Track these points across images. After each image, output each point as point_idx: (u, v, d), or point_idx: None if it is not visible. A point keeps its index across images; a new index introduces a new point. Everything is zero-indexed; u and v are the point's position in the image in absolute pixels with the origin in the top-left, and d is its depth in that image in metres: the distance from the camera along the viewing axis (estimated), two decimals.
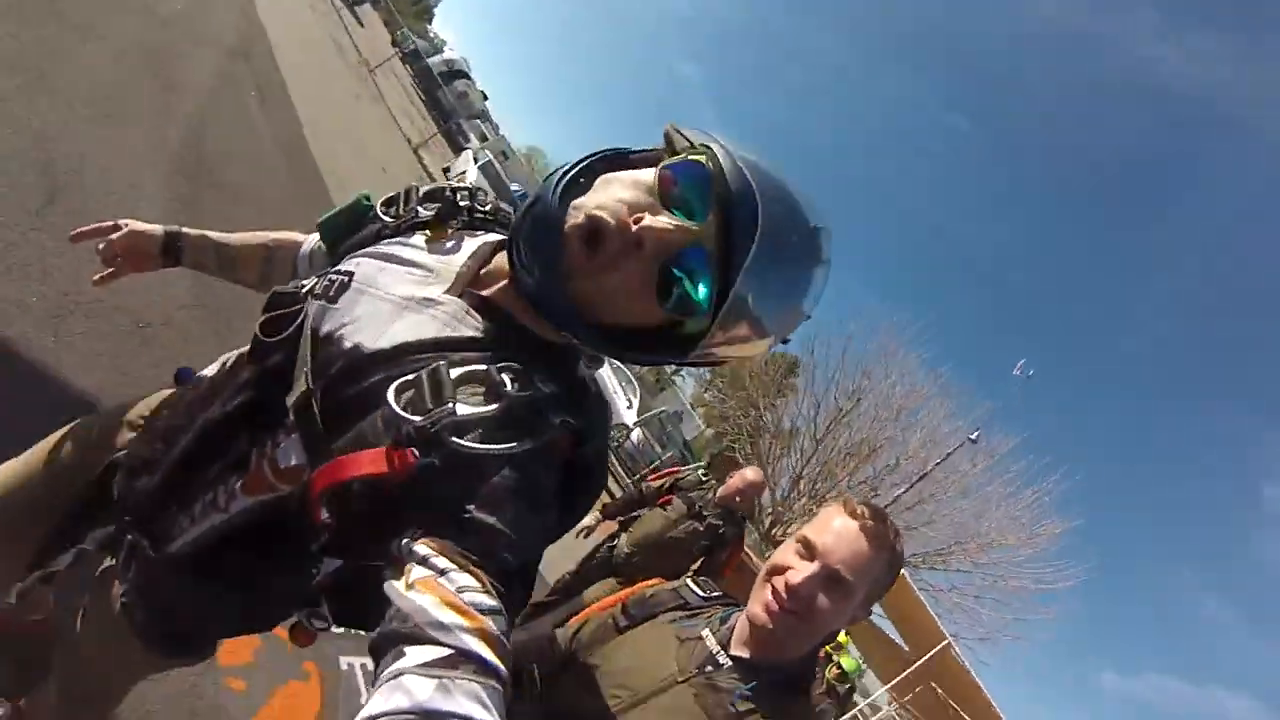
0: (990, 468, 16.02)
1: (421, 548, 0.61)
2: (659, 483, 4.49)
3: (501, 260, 0.84)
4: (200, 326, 3.34)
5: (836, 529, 1.18)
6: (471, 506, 0.64)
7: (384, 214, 0.96)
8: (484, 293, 0.83)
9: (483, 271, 0.86)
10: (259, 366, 0.86)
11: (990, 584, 15.17)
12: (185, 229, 1.23)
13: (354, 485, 0.66)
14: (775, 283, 0.75)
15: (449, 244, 0.90)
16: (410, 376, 0.71)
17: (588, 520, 4.41)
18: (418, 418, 0.66)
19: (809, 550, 1.17)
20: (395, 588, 0.58)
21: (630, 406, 15.29)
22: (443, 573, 0.59)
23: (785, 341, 0.84)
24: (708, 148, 0.75)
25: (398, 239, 0.92)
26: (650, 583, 1.48)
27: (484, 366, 0.73)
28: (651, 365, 0.85)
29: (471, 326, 0.79)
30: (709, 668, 1.18)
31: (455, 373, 0.71)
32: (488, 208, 0.98)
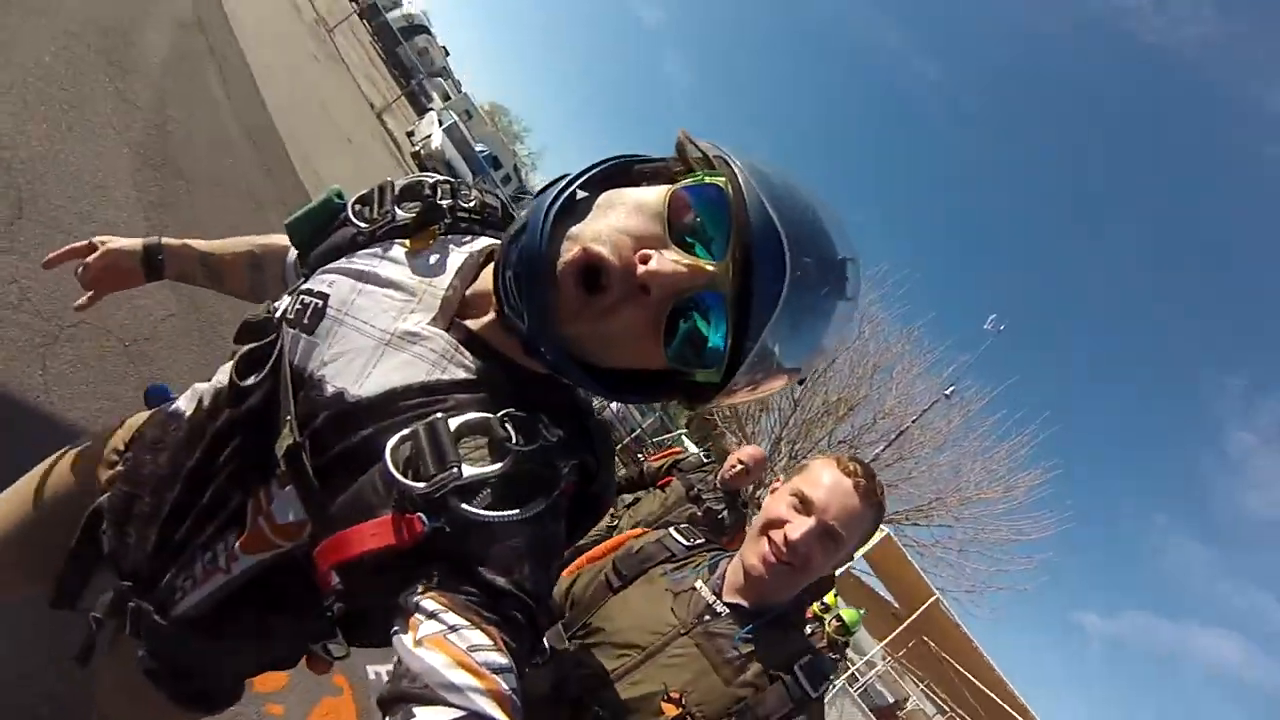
0: (965, 423, 16.33)
1: (430, 602, 0.58)
2: (659, 463, 4.41)
3: (489, 279, 0.76)
4: (186, 337, 3.23)
5: (830, 485, 1.23)
6: (482, 568, 0.61)
7: (357, 218, 0.87)
8: (473, 327, 0.76)
9: (469, 293, 0.78)
10: (237, 409, 0.80)
11: (971, 537, 15.59)
12: (165, 240, 1.16)
13: (363, 557, 0.62)
14: (801, 329, 0.66)
15: (432, 257, 0.82)
16: (406, 431, 0.66)
17: None
18: (421, 484, 0.62)
19: (805, 505, 1.23)
20: (403, 643, 0.56)
21: None
22: (453, 629, 0.57)
23: (802, 382, 0.78)
24: (727, 166, 0.65)
25: (374, 249, 0.83)
26: (634, 533, 1.53)
27: (484, 415, 0.67)
28: (651, 403, 0.82)
29: (462, 366, 0.73)
30: (707, 617, 1.24)
31: (454, 423, 0.66)
32: (471, 204, 0.88)
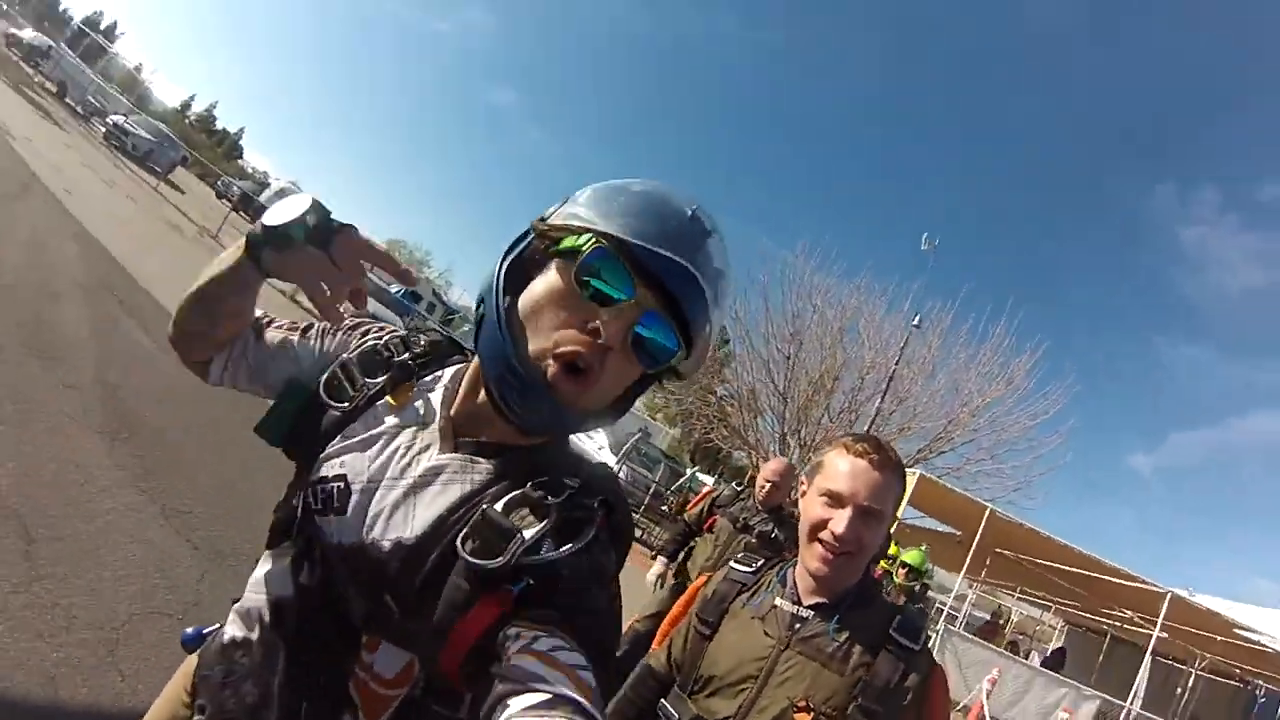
0: (943, 342, 16.76)
1: (517, 629, 0.68)
2: (697, 508, 4.55)
3: (466, 397, 0.90)
4: (221, 588, 3.23)
5: (849, 471, 1.33)
6: (557, 596, 0.72)
7: (335, 404, 0.92)
8: (475, 437, 0.87)
9: (455, 413, 0.90)
10: (304, 609, 0.86)
11: (996, 439, 15.84)
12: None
13: (477, 642, 0.71)
14: (714, 281, 0.82)
15: (416, 403, 0.92)
16: (467, 530, 0.77)
17: (657, 569, 4.61)
18: (499, 559, 0.73)
19: (835, 499, 1.32)
20: (498, 668, 0.65)
21: (602, 448, 15.29)
22: (536, 639, 0.67)
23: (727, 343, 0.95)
24: (590, 229, 0.79)
25: (363, 419, 0.92)
26: (699, 583, 1.64)
27: (519, 491, 0.80)
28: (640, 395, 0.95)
29: (481, 470, 0.85)
30: (797, 625, 1.34)
31: (499, 506, 0.78)
32: (424, 348, 0.98)
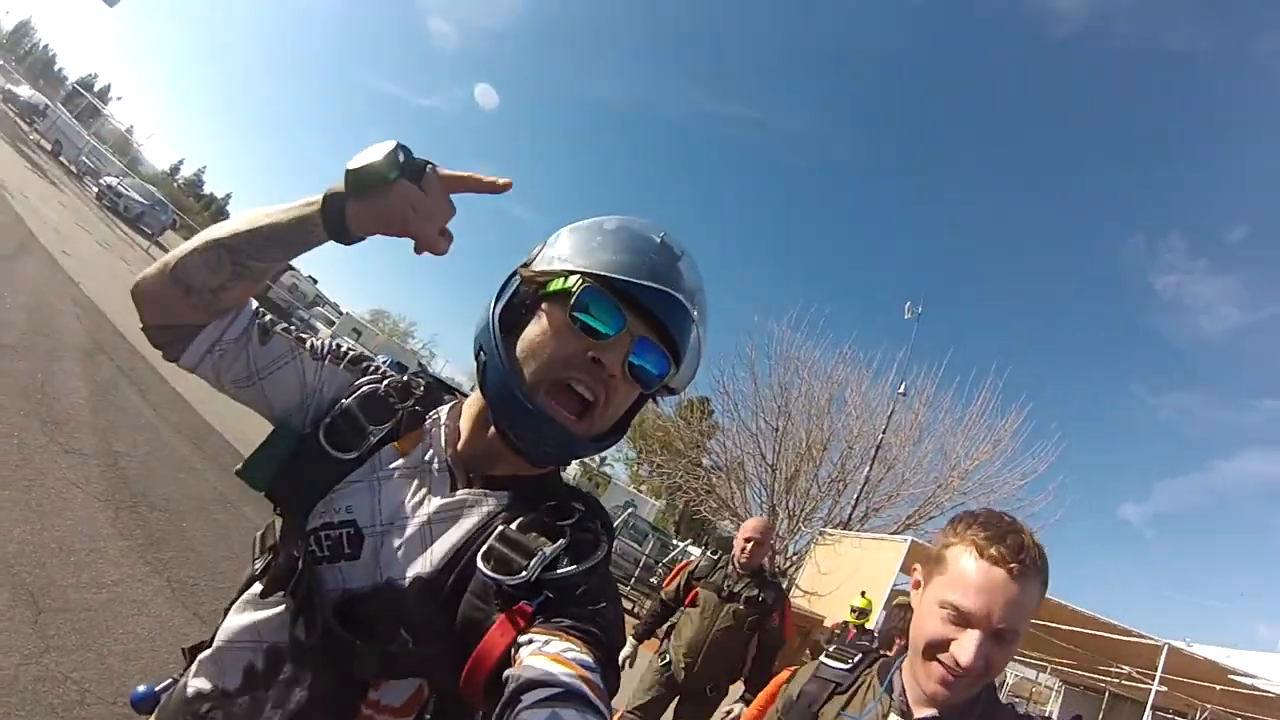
0: (929, 408, 16.94)
1: (530, 634, 0.71)
2: (674, 583, 4.37)
3: (474, 431, 0.92)
4: None
5: (980, 584, 1.07)
6: (572, 606, 0.76)
7: (337, 452, 0.90)
8: (483, 470, 0.91)
9: (461, 450, 0.92)
10: (302, 658, 0.84)
11: (986, 501, 15.66)
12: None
13: (499, 659, 0.72)
14: (691, 301, 0.88)
15: (421, 445, 0.93)
16: (485, 549, 0.80)
17: (626, 650, 4.28)
18: (522, 575, 0.76)
19: (962, 617, 1.08)
20: (511, 673, 0.67)
21: None
22: (547, 643, 0.69)
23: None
24: (574, 270, 0.85)
25: (369, 465, 0.91)
26: (780, 678, 1.51)
27: (533, 514, 0.85)
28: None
29: (493, 501, 0.88)
30: None
31: (515, 526, 0.83)
32: (421, 392, 0.99)
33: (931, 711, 1.16)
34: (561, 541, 0.80)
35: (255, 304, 0.94)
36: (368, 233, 0.80)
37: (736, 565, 4.06)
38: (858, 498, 16.41)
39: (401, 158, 0.77)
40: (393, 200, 0.77)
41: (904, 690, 1.21)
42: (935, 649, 1.11)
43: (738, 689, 4.13)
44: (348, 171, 0.78)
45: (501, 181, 0.82)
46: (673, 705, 4.15)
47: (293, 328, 0.99)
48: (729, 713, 3.90)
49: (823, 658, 1.40)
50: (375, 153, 0.77)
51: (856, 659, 1.36)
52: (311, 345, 0.98)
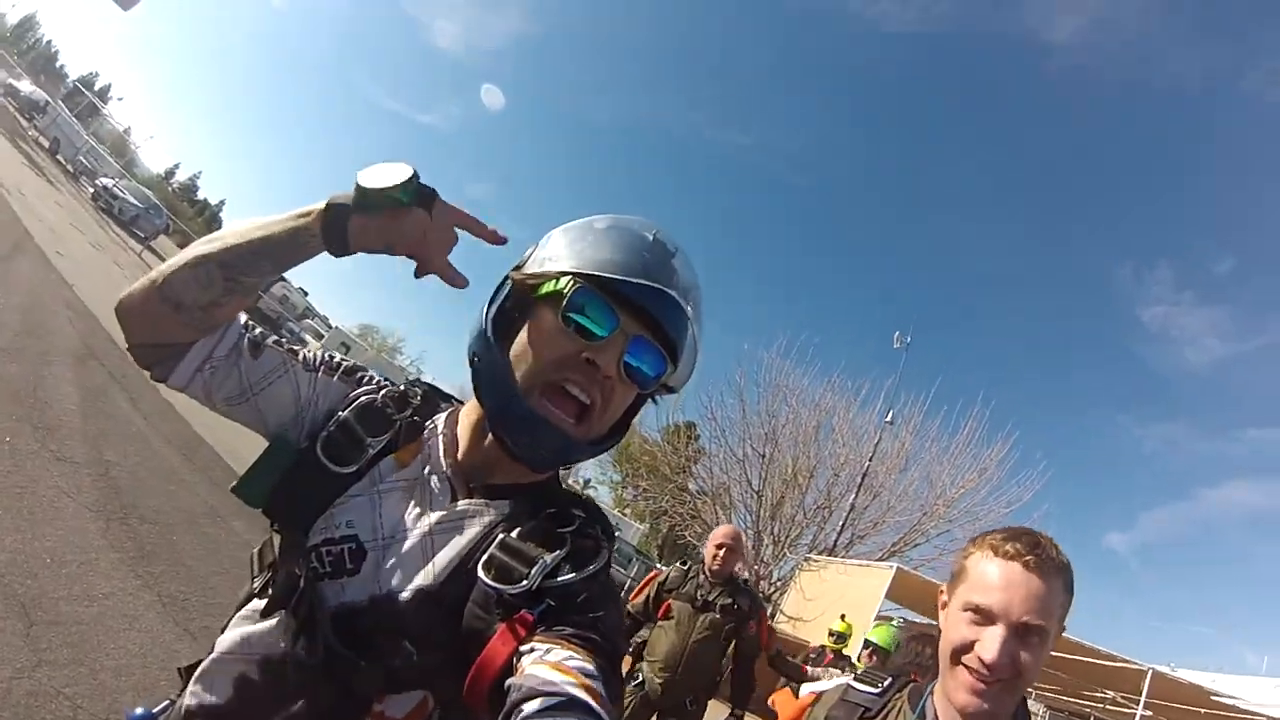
0: (916, 437, 17.13)
1: (532, 643, 0.71)
2: (642, 595, 4.18)
3: (473, 440, 0.90)
4: None
5: (999, 581, 1.09)
6: (574, 614, 0.75)
7: (338, 467, 0.88)
8: (483, 480, 0.89)
9: (460, 459, 0.90)
10: (303, 675, 0.81)
11: (971, 529, 15.70)
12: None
13: (501, 668, 0.73)
14: (686, 298, 0.86)
15: (420, 455, 0.91)
16: (485, 558, 0.79)
17: None
18: (523, 583, 0.75)
19: (983, 615, 1.09)
20: (514, 682, 0.67)
21: None
22: (549, 651, 0.69)
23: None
24: (565, 272, 0.83)
25: (369, 478, 0.89)
26: (805, 701, 1.51)
27: (534, 522, 0.84)
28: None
29: (494, 508, 0.87)
30: None
31: (515, 534, 0.82)
32: (418, 402, 0.97)
33: None
34: (562, 549, 0.80)
35: (244, 317, 0.92)
36: (368, 249, 0.80)
37: (708, 574, 3.96)
38: (843, 524, 16.51)
39: (416, 186, 0.78)
40: (406, 226, 0.79)
41: (936, 716, 1.18)
42: (961, 653, 1.10)
43: (717, 707, 4.08)
44: (360, 188, 0.78)
45: (501, 234, 0.85)
46: None
47: (283, 340, 0.97)
48: None
49: (850, 681, 1.36)
50: (392, 174, 0.78)
51: (886, 683, 1.31)
52: (304, 357, 0.96)
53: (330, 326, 30.51)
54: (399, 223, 0.79)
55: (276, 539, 0.91)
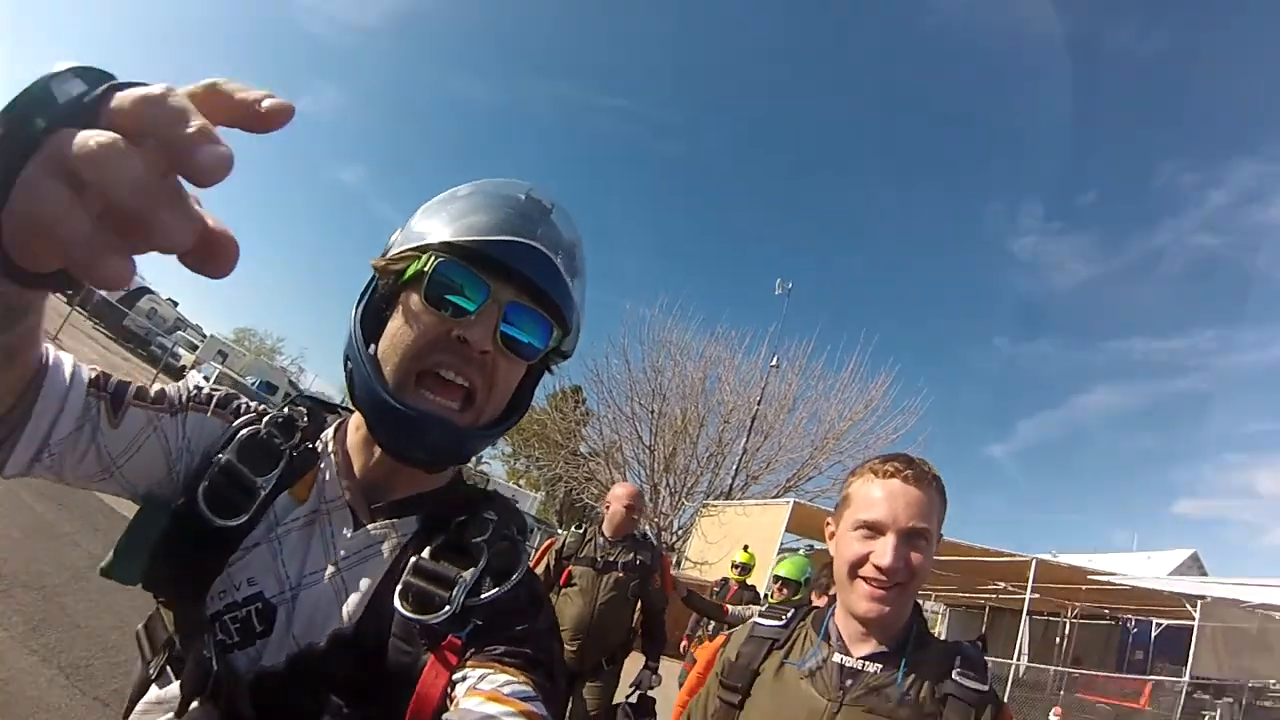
0: (802, 375, 17.99)
1: (464, 671, 0.69)
2: (540, 567, 3.96)
3: (363, 455, 0.84)
4: None
5: (882, 496, 1.20)
6: (502, 630, 0.73)
7: (226, 520, 0.76)
8: (384, 499, 0.83)
9: (357, 476, 0.83)
10: None
11: (862, 458, 16.92)
12: None
13: (440, 698, 0.70)
14: (562, 254, 0.79)
15: (317, 484, 0.83)
16: (400, 587, 0.73)
17: None
18: (445, 610, 0.71)
19: (874, 528, 1.19)
20: (449, 713, 0.65)
21: None
22: (482, 678, 0.67)
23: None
24: (426, 246, 0.76)
25: (265, 523, 0.79)
26: (715, 644, 1.50)
27: (443, 538, 0.78)
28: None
29: (399, 529, 0.81)
30: (849, 681, 1.19)
31: (427, 553, 0.76)
32: (306, 425, 0.86)
33: (869, 648, 1.21)
34: (479, 564, 0.75)
35: (92, 371, 0.75)
36: (46, 261, 0.38)
37: (607, 534, 3.91)
38: (737, 468, 17.22)
39: (76, 89, 0.38)
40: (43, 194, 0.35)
41: (840, 634, 1.25)
42: (858, 566, 1.20)
43: (637, 658, 4.09)
44: None
45: (272, 101, 0.38)
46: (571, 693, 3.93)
47: (142, 387, 0.80)
48: (635, 686, 3.91)
49: (755, 619, 1.41)
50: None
51: (789, 614, 1.37)
52: (169, 400, 0.81)
53: (205, 336, 28.55)
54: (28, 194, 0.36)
55: (168, 614, 0.79)
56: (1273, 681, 15.18)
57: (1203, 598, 13.20)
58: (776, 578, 5.66)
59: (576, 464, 18.43)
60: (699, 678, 1.51)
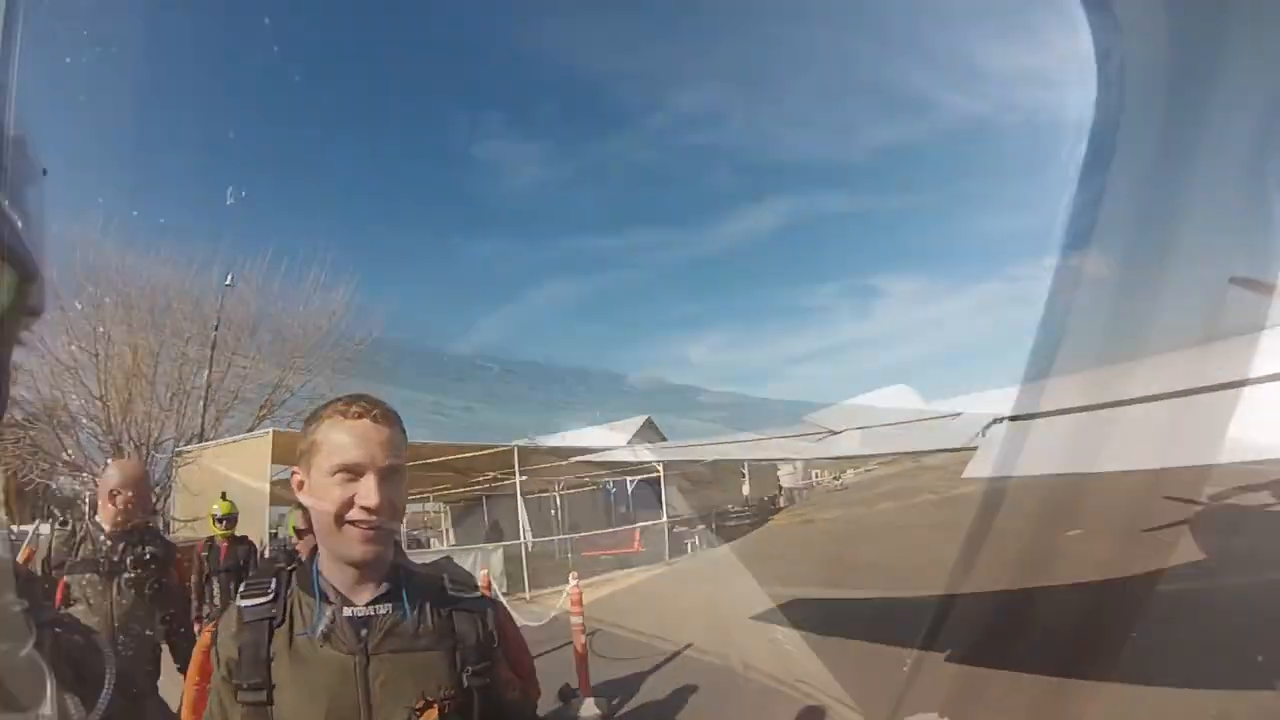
0: (261, 294, 17.34)
1: None
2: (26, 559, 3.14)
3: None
4: None
5: (357, 438, 1.19)
6: None
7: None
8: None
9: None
10: None
11: (331, 374, 17.29)
12: None
13: None
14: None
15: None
16: None
17: None
18: None
19: (352, 470, 1.17)
20: None
21: None
22: None
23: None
24: None
25: None
26: (203, 644, 1.28)
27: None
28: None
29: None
30: (364, 630, 1.17)
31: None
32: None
33: (370, 593, 1.21)
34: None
35: None
36: None
37: (104, 530, 3.08)
38: (205, 404, 15.89)
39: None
40: None
41: (334, 588, 1.21)
42: (343, 512, 1.16)
43: None
44: None
45: None
46: None
47: None
48: None
49: (238, 602, 1.25)
50: None
51: (272, 584, 1.25)
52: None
53: None
54: None
55: None
56: (729, 506, 20.42)
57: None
58: (219, 518, 5.70)
59: (13, 437, 14.45)
60: (197, 689, 1.26)
